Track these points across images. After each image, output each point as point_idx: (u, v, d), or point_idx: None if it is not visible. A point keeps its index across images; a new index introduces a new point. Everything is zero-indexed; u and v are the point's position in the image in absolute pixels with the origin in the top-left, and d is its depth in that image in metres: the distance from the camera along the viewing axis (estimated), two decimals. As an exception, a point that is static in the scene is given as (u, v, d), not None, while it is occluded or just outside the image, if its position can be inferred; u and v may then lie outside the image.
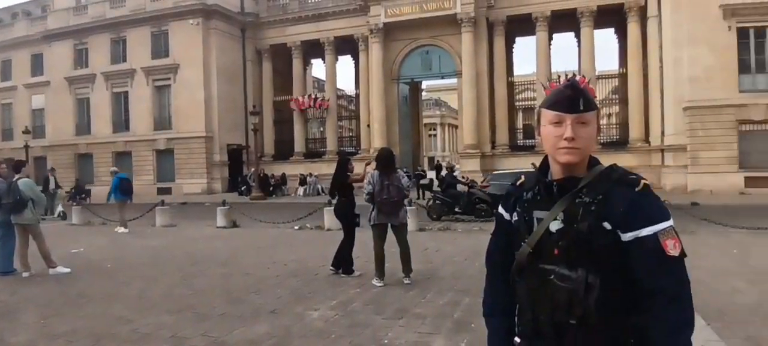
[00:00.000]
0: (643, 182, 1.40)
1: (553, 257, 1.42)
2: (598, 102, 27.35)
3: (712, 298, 5.75)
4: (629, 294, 1.38)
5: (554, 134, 1.43)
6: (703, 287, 6.25)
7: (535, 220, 1.49)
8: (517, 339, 1.54)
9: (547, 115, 1.46)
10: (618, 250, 1.37)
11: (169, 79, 33.01)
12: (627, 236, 1.37)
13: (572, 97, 1.42)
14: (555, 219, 1.44)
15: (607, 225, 1.38)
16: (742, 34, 22.71)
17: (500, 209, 1.65)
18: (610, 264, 1.37)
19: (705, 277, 6.82)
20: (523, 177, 1.60)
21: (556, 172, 1.49)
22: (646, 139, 27.20)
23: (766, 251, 8.63)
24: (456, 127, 59.12)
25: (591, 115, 1.44)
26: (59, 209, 18.46)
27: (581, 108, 1.42)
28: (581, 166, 1.46)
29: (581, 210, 1.40)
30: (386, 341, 4.57)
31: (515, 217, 1.56)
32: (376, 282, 6.70)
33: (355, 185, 7.73)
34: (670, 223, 1.38)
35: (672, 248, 1.35)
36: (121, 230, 13.85)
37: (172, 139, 32.86)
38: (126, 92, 34.25)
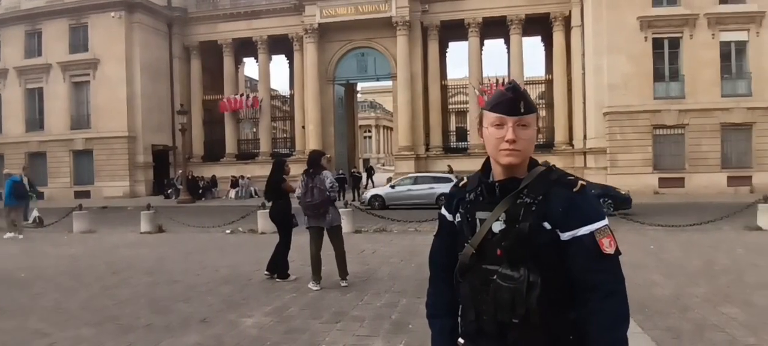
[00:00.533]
0: (580, 183, 1.44)
1: (496, 257, 1.42)
2: (526, 106, 28.80)
3: (632, 292, 6.03)
4: (569, 292, 1.41)
5: (496, 136, 1.44)
6: (626, 282, 6.62)
7: (477, 221, 1.49)
8: (460, 340, 1.53)
9: (489, 117, 1.46)
10: (557, 249, 1.40)
11: (88, 75, 31.06)
12: (565, 235, 1.40)
13: (513, 100, 1.44)
14: (497, 220, 1.44)
15: (547, 225, 1.40)
16: (657, 44, 24.42)
17: (443, 211, 1.64)
18: (551, 263, 1.39)
19: (625, 271, 7.17)
20: (465, 179, 1.59)
21: (497, 173, 1.49)
22: (570, 142, 28.65)
23: (678, 246, 9.28)
24: (391, 129, 59.59)
25: (531, 118, 1.45)
26: (34, 213, 16.06)
27: (522, 111, 1.43)
28: (522, 168, 1.48)
29: (522, 210, 1.41)
30: (323, 346, 4.48)
31: (458, 218, 1.55)
32: (312, 286, 6.58)
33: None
34: (605, 222, 1.42)
35: (607, 246, 1.39)
36: (10, 235, 12.73)
37: (91, 139, 30.91)
38: (41, 89, 31.88)
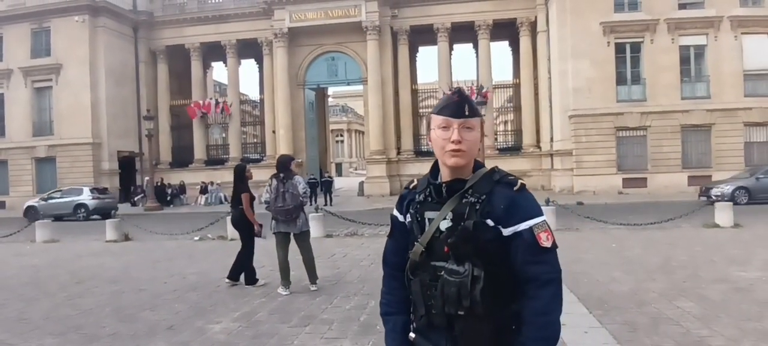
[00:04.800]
0: (520, 182, 1.53)
1: (443, 254, 1.50)
2: (495, 110, 29.03)
3: (593, 288, 6.29)
4: (512, 285, 1.49)
5: (442, 137, 1.52)
6: (587, 279, 6.84)
7: (426, 220, 1.57)
8: (412, 335, 1.60)
9: (436, 119, 1.55)
10: (500, 244, 1.49)
11: (50, 80, 30.23)
12: (507, 231, 1.49)
13: (459, 104, 1.53)
14: (444, 219, 1.52)
15: (490, 222, 1.49)
16: (619, 49, 25.18)
17: (395, 212, 1.71)
18: (494, 257, 1.48)
19: (588, 269, 7.46)
20: (415, 181, 1.67)
21: (445, 174, 1.57)
22: (538, 145, 29.22)
23: (639, 244, 9.60)
24: (363, 133, 59.65)
25: (475, 121, 1.54)
26: None
27: (466, 113, 1.52)
28: (467, 169, 1.56)
29: (467, 209, 1.50)
30: (291, 350, 4.51)
31: (409, 218, 1.62)
32: (281, 291, 6.57)
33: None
34: (543, 218, 1.52)
35: (545, 240, 1.48)
36: None
37: (54, 146, 30.09)
38: (1, 94, 30.90)
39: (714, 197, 17.29)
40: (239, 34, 31.93)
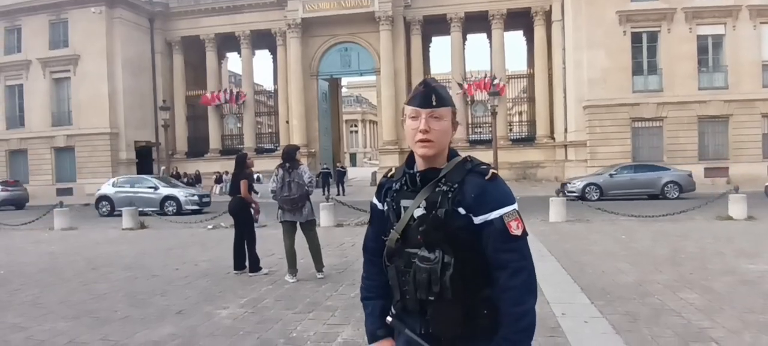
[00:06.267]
0: (491, 171, 1.57)
1: (417, 241, 1.56)
2: (509, 100, 28.78)
3: (598, 279, 6.30)
4: (483, 271, 1.54)
5: (412, 127, 1.58)
6: (591, 269, 6.85)
7: (402, 208, 1.62)
8: (389, 318, 1.67)
9: (407, 110, 1.60)
10: (471, 232, 1.53)
11: (68, 71, 30.76)
12: (478, 219, 1.53)
13: (426, 94, 1.57)
14: (418, 207, 1.57)
15: (461, 210, 1.53)
16: (635, 38, 24.83)
17: (374, 200, 1.77)
18: (465, 244, 1.53)
19: (594, 260, 7.46)
20: (393, 169, 1.73)
21: (419, 164, 1.63)
22: (552, 136, 29.00)
23: (649, 236, 9.55)
24: (376, 123, 59.69)
25: (444, 111, 1.57)
26: None
27: (434, 103, 1.56)
28: (441, 158, 1.60)
29: (440, 198, 1.54)
30: (294, 335, 4.61)
31: (386, 206, 1.68)
32: (288, 278, 6.70)
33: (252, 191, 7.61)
34: (513, 207, 1.55)
35: (515, 229, 1.52)
36: None
37: (72, 136, 30.67)
38: (20, 85, 31.52)
39: (568, 194, 17.23)
40: (253, 24, 32.12)
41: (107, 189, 19.78)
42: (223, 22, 32.35)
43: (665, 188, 18.54)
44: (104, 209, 18.71)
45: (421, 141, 1.55)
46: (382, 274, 1.68)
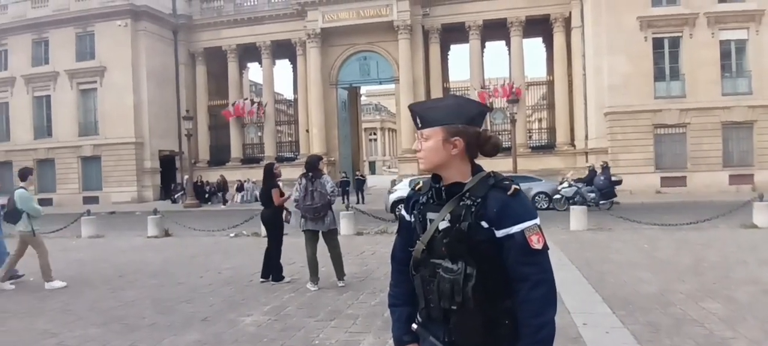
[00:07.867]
0: (513, 187, 1.64)
1: (441, 252, 1.64)
2: (528, 108, 28.60)
3: (619, 289, 6.28)
4: (503, 282, 1.62)
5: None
6: (613, 279, 6.82)
7: (428, 220, 1.71)
8: (414, 325, 1.76)
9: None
10: (494, 245, 1.61)
11: (95, 82, 31.52)
12: (500, 233, 1.60)
13: (413, 117, 1.73)
14: (443, 219, 1.66)
15: (484, 224, 1.61)
16: (657, 43, 24.51)
17: (402, 211, 1.86)
18: (487, 257, 1.60)
19: (615, 269, 7.42)
20: (421, 183, 1.82)
21: (445, 179, 1.71)
22: (572, 143, 28.75)
23: (672, 245, 9.44)
24: (396, 131, 59.81)
25: (430, 131, 1.68)
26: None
27: (419, 126, 1.70)
28: (465, 173, 1.69)
29: (464, 211, 1.63)
30: (317, 342, 4.71)
31: (413, 218, 1.77)
32: (310, 286, 6.81)
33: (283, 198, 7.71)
34: (535, 221, 1.62)
35: (536, 243, 1.59)
36: None
37: (98, 146, 31.39)
38: (48, 96, 32.38)
39: None
40: (273, 35, 32.57)
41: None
42: (245, 33, 32.87)
43: (535, 199, 18.73)
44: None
45: (418, 159, 1.71)
46: (409, 282, 1.77)
